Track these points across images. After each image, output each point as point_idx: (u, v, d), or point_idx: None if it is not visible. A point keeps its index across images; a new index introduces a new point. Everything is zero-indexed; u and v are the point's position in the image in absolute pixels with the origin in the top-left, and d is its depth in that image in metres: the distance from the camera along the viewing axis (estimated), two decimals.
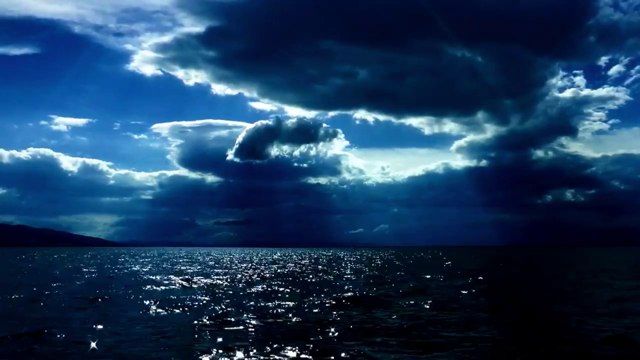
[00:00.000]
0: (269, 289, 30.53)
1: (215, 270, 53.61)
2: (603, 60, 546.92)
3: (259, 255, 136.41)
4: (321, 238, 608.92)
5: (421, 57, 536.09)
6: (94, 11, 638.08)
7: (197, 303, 23.64)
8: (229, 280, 38.15)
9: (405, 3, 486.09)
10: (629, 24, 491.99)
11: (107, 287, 31.70)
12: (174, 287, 32.50)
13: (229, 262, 77.97)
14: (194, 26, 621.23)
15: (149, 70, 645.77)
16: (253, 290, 30.03)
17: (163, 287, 31.82)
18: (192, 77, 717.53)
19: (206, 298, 25.65)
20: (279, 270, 52.55)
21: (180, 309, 21.63)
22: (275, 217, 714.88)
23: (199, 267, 61.16)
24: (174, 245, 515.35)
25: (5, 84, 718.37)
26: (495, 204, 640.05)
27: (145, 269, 54.53)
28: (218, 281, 37.06)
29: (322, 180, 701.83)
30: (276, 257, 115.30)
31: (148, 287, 32.08)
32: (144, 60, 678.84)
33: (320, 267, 62.42)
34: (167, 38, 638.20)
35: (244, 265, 67.98)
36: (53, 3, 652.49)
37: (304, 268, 58.01)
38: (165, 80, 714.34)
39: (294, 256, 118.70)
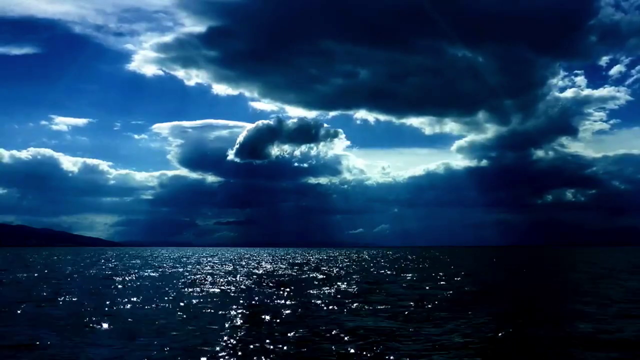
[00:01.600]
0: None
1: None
2: (604, 60, 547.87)
3: (277, 255, 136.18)
4: (322, 238, 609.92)
5: (422, 57, 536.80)
6: (94, 11, 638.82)
7: None
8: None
9: (406, 3, 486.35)
10: (630, 24, 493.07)
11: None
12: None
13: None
14: (195, 26, 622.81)
15: (150, 70, 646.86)
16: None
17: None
18: (193, 77, 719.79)
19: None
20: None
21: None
22: (276, 217, 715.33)
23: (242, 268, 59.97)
24: (174, 245, 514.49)
25: (5, 84, 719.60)
26: (495, 204, 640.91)
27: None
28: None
29: (323, 180, 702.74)
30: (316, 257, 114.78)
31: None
32: (144, 60, 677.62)
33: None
34: (168, 38, 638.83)
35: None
36: (53, 3, 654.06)
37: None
38: (166, 80, 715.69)
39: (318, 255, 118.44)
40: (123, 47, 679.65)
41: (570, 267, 60.19)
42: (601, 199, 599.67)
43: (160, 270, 50.96)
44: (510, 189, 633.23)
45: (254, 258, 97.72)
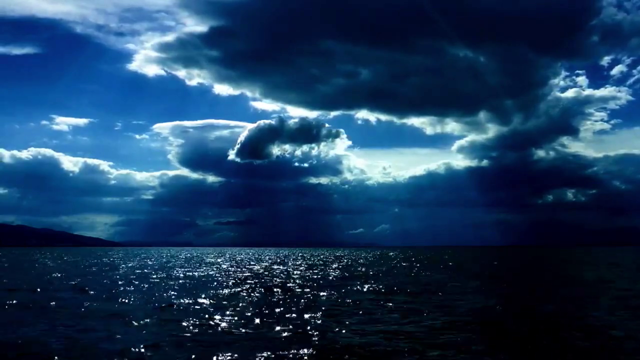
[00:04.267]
0: None
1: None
2: (605, 60, 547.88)
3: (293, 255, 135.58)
4: (322, 238, 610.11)
5: (423, 57, 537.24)
6: (95, 11, 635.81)
7: None
8: None
9: (407, 3, 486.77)
10: (633, 24, 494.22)
11: None
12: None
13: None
14: (196, 26, 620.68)
15: (151, 70, 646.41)
16: None
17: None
18: (194, 76, 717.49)
19: None
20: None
21: None
22: (276, 217, 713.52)
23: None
24: (174, 246, 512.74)
25: (6, 84, 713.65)
26: (496, 204, 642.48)
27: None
28: None
29: (324, 180, 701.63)
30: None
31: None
32: (145, 60, 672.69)
33: None
34: (169, 38, 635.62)
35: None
36: (54, 3, 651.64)
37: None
38: (167, 80, 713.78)
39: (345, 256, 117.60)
40: (124, 47, 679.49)
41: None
42: (602, 199, 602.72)
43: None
44: (511, 189, 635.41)
45: (286, 259, 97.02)
